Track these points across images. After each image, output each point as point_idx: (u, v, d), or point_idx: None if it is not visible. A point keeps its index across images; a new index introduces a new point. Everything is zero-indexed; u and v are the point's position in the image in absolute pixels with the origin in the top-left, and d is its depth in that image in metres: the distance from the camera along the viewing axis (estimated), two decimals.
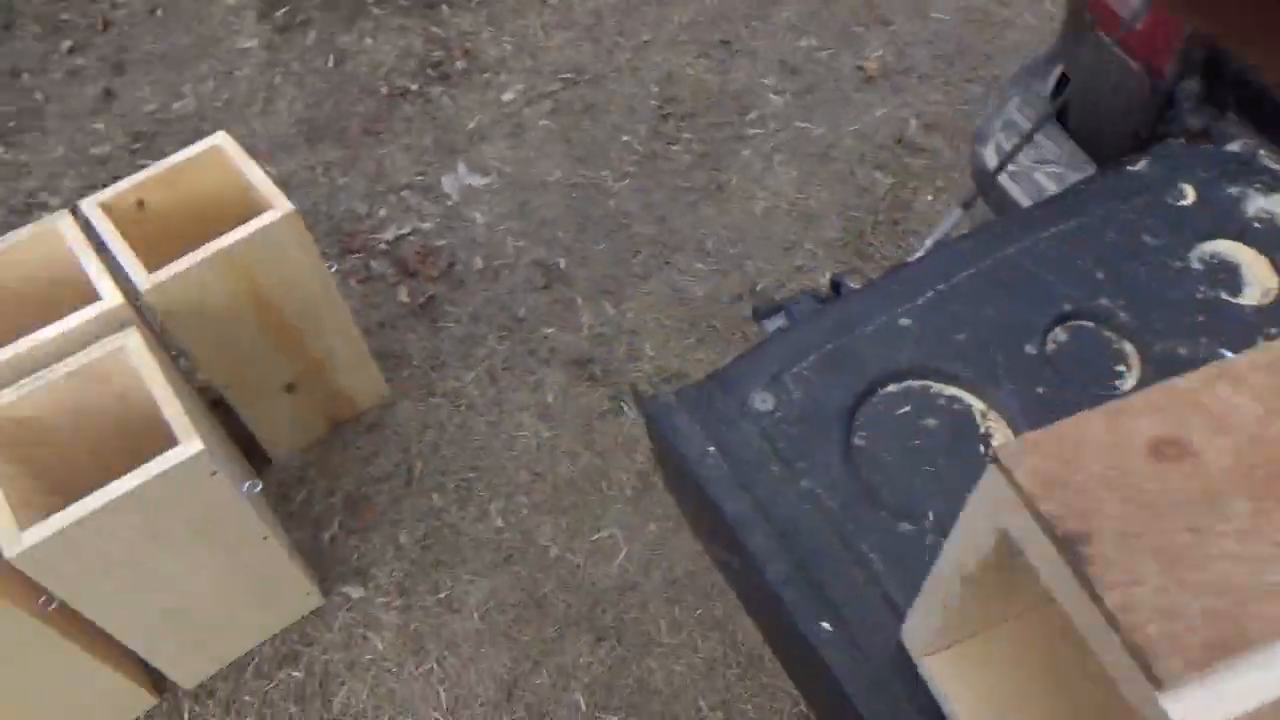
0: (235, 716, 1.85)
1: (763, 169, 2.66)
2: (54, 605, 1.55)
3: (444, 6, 3.11)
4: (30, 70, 3.04)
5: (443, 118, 2.83)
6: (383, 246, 2.55)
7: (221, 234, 1.73)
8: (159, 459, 1.46)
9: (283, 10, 3.14)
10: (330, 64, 2.98)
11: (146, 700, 1.84)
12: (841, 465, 0.87)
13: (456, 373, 2.31)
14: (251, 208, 1.91)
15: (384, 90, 2.90)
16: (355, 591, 2.00)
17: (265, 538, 1.72)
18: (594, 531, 2.06)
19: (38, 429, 1.59)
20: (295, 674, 1.90)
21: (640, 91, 2.86)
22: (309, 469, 2.17)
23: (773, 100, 2.81)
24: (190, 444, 1.48)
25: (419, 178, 2.70)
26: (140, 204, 1.84)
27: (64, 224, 1.76)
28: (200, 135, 2.62)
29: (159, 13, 3.17)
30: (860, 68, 2.88)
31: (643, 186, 2.64)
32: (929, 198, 2.57)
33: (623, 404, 2.24)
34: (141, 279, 1.66)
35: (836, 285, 1.01)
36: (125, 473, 1.46)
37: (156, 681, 1.87)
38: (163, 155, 2.65)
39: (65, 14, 3.20)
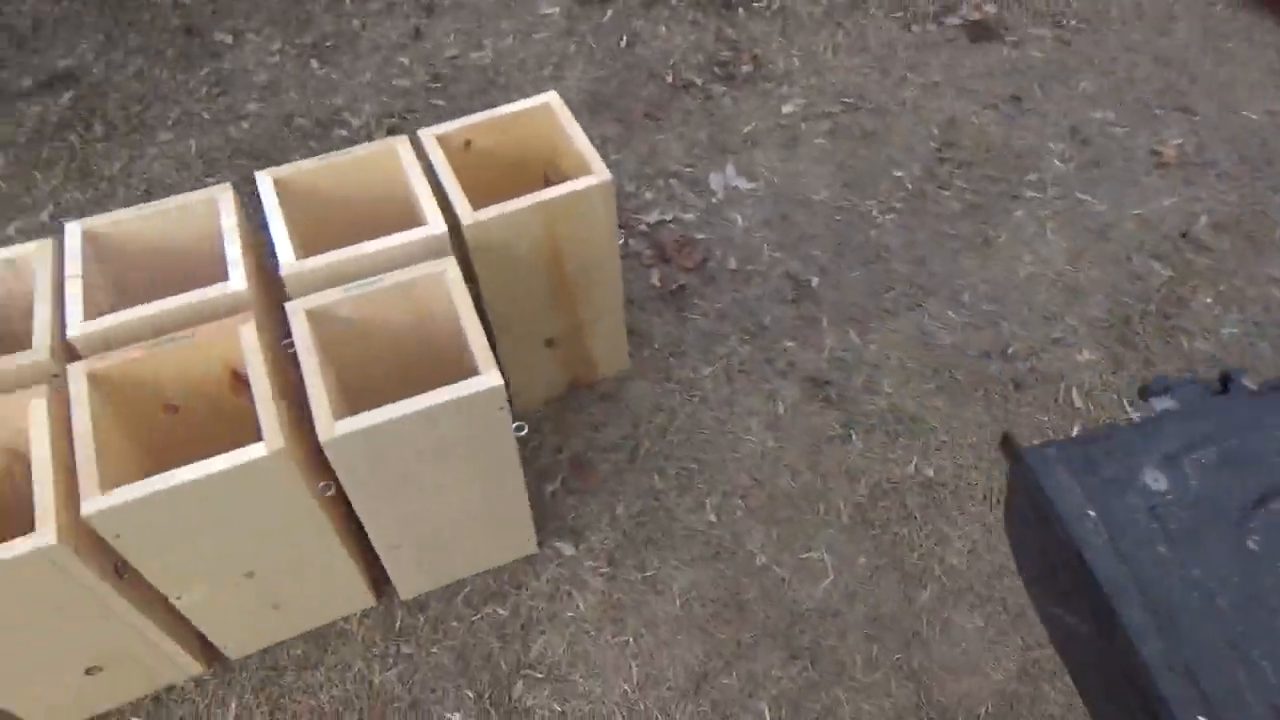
0: (441, 635, 1.95)
1: (1034, 233, 2.59)
2: (330, 491, 1.67)
3: (740, 10, 3.16)
4: None
5: (721, 116, 2.88)
6: (643, 228, 2.62)
7: (534, 186, 1.83)
8: (462, 384, 1.55)
9: None
10: (623, 44, 3.09)
11: (367, 600, 1.96)
12: (1234, 564, 0.85)
13: (695, 364, 2.36)
14: (568, 166, 2.00)
15: (669, 79, 2.98)
16: (567, 549, 2.07)
17: (516, 478, 1.80)
18: (804, 550, 2.06)
19: (350, 332, 1.72)
20: (501, 612, 1.99)
21: (921, 130, 2.83)
22: (543, 424, 2.26)
23: (1056, 166, 2.74)
24: (490, 376, 1.56)
25: (688, 169, 2.76)
26: (468, 144, 1.96)
27: (402, 148, 1.89)
28: (493, 87, 2.76)
29: None
30: (1155, 152, 2.76)
31: (907, 224, 2.62)
32: (1208, 300, 2.45)
33: (852, 433, 2.23)
34: (466, 213, 1.77)
35: (1227, 379, 0.98)
36: (415, 387, 1.55)
37: (379, 584, 1.99)
38: (455, 99, 2.82)
39: None
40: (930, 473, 2.16)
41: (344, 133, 2.86)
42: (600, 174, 1.84)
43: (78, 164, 2.80)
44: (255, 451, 1.48)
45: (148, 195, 2.71)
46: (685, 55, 3.04)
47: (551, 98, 1.98)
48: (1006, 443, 0.96)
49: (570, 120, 1.94)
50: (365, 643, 1.96)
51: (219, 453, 1.49)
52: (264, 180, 1.83)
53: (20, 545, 1.40)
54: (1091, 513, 0.88)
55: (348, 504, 1.69)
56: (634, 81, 2.97)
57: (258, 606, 1.81)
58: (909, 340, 2.39)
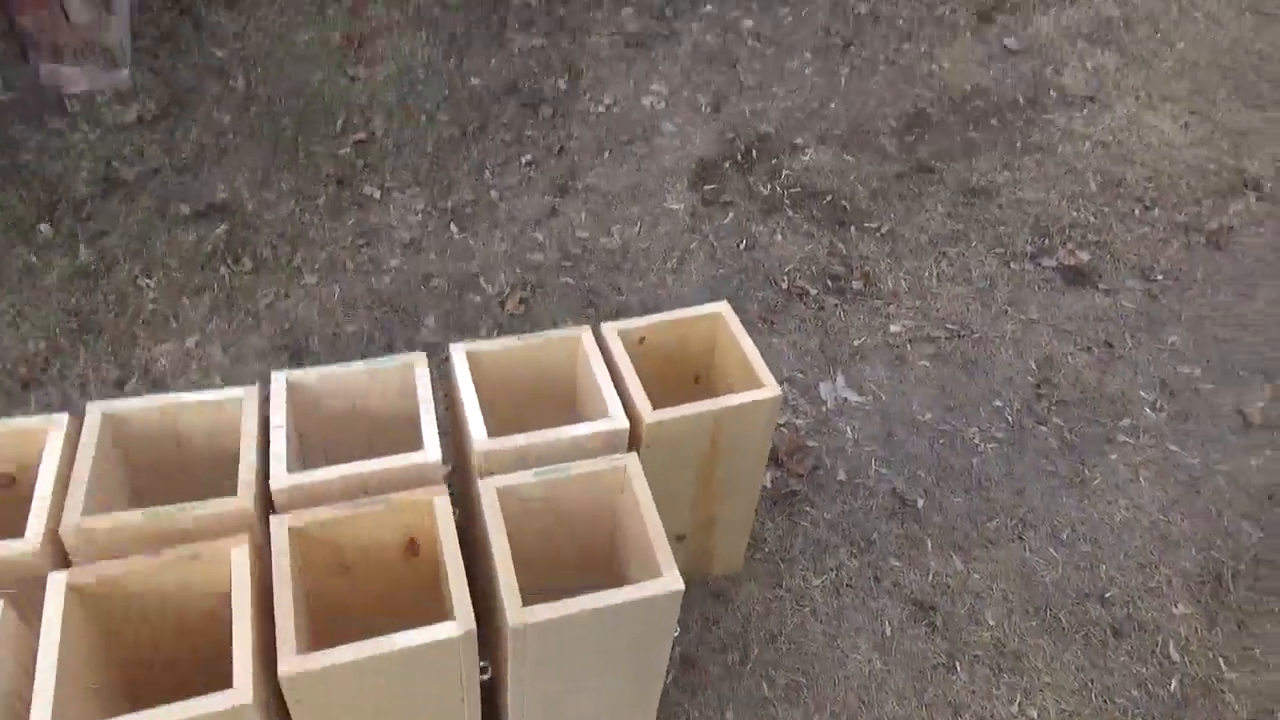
0: None
1: (1128, 479, 2.71)
2: (487, 675, 1.71)
3: (852, 228, 3.39)
4: (493, 170, 3.51)
5: (832, 327, 3.05)
6: None
7: (687, 383, 1.96)
8: (646, 584, 1.62)
9: (711, 186, 3.52)
10: (742, 246, 3.30)
11: None
12: None
13: (804, 573, 2.42)
14: (725, 372, 2.14)
15: (784, 285, 3.17)
16: None
17: (659, 678, 1.85)
18: None
19: (532, 511, 1.80)
20: None
21: (1019, 364, 2.99)
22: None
23: (1148, 415, 2.88)
24: (672, 579, 1.64)
25: (799, 374, 2.91)
26: (641, 340, 2.10)
27: (586, 338, 2.03)
28: (618, 271, 2.96)
29: (607, 154, 3.62)
30: (1241, 413, 2.91)
31: (1007, 455, 2.74)
32: None
33: (956, 663, 2.28)
34: (646, 410, 1.89)
35: None
36: (580, 575, 1.63)
37: None
38: (584, 278, 3.00)
39: (530, 131, 3.70)
40: (1034, 714, 2.19)
41: (477, 298, 3.02)
42: (771, 388, 1.97)
43: (225, 294, 2.96)
44: (447, 630, 1.54)
45: (289, 334, 2.85)
46: (800, 265, 3.24)
47: (723, 307, 2.14)
48: None
49: (741, 331, 2.08)
50: None
51: (385, 619, 1.55)
52: (459, 354, 1.95)
53: (218, 702, 1.43)
54: None
55: (491, 685, 1.73)
56: (751, 283, 3.16)
57: None
58: (1011, 573, 2.46)
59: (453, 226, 3.27)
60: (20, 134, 3.43)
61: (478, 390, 1.90)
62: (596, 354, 2.00)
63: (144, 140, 3.49)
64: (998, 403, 2.88)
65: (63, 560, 1.63)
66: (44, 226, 3.10)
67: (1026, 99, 4.09)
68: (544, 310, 2.99)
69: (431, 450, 1.79)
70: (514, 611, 1.56)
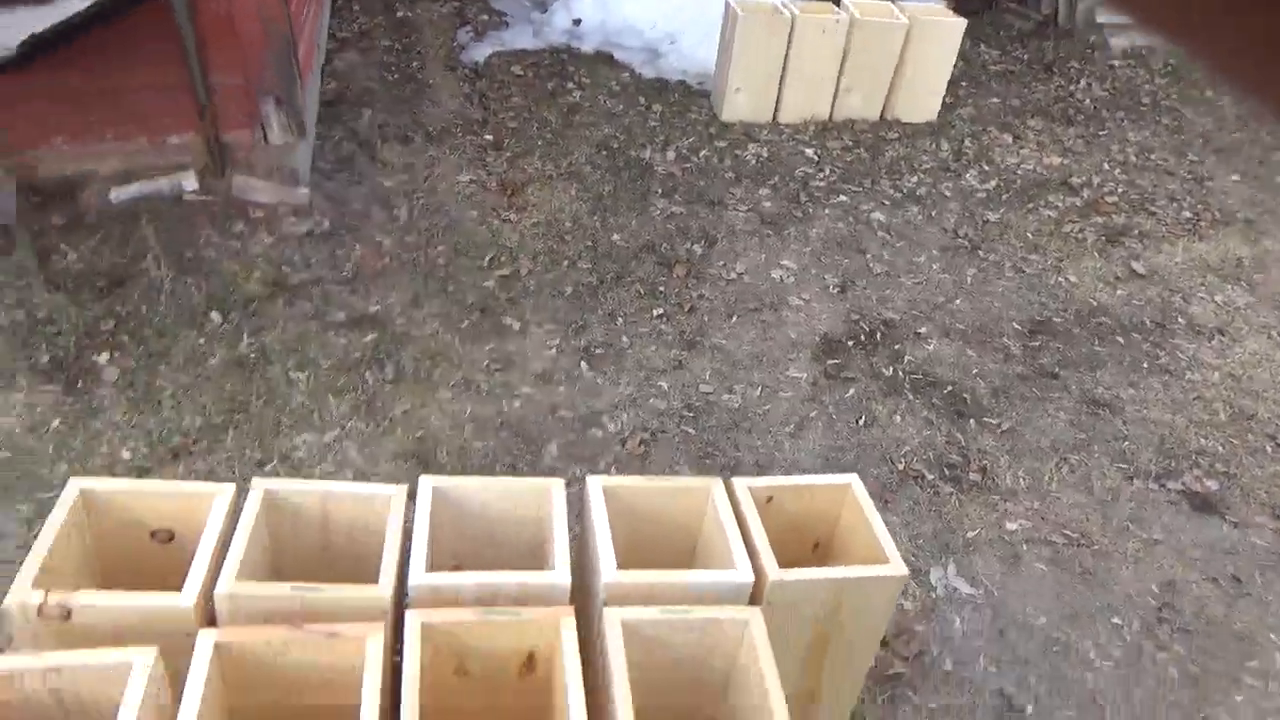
0: None
1: None
2: None
3: (971, 421, 3.41)
4: (625, 318, 3.69)
5: (946, 514, 3.03)
6: None
7: (804, 549, 1.97)
8: None
9: (834, 361, 3.61)
10: (860, 421, 3.34)
11: None
12: None
13: None
14: (846, 542, 2.15)
15: (900, 465, 3.19)
16: None
17: None
18: None
19: (646, 650, 1.81)
20: None
21: (1139, 584, 2.90)
22: None
23: (1278, 660, 2.73)
24: None
25: (911, 557, 2.87)
26: (769, 499, 2.13)
27: (717, 490, 2.08)
28: (737, 428, 3.01)
29: (734, 319, 3.77)
30: None
31: (1125, 678, 2.62)
32: None
33: None
34: (773, 569, 1.90)
35: None
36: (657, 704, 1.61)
37: None
38: (704, 431, 3.05)
39: (663, 287, 3.89)
40: None
41: (600, 434, 3.12)
42: (897, 566, 1.96)
43: (366, 398, 3.12)
44: None
45: (421, 442, 2.98)
46: (917, 448, 3.26)
47: (853, 479, 2.17)
48: None
49: (870, 505, 2.10)
50: None
51: None
52: (595, 485, 2.02)
53: None
54: None
55: None
56: (867, 459, 3.19)
57: None
58: None
59: (583, 364, 3.42)
60: (207, 233, 3.77)
61: (612, 523, 1.95)
62: (726, 506, 2.04)
63: (312, 252, 3.79)
64: (1116, 620, 2.78)
65: (209, 620, 1.70)
66: (214, 315, 3.36)
67: (1154, 322, 4.12)
68: (663, 455, 3.06)
69: (562, 572, 1.83)
70: None
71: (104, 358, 3.12)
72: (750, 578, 1.87)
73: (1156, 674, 2.64)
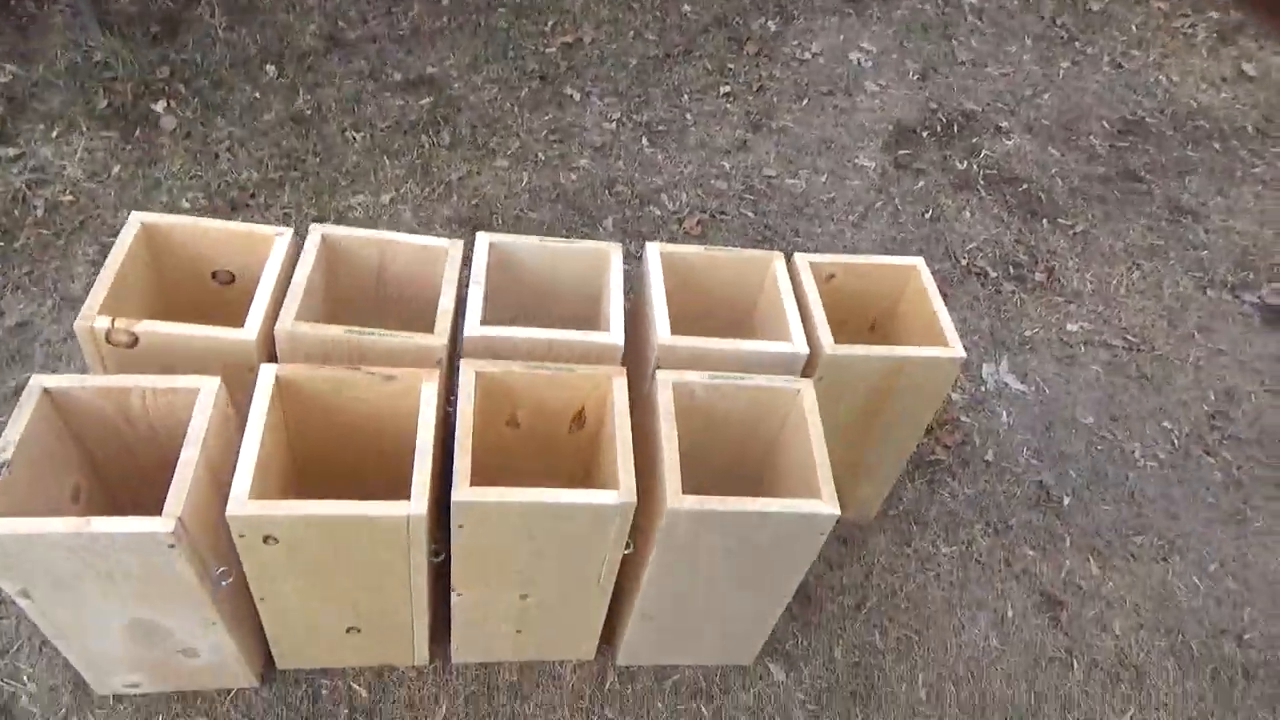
0: (644, 712, 2.00)
1: None
2: (630, 550, 1.76)
3: (1044, 220, 3.28)
4: (690, 95, 3.52)
5: (1005, 312, 2.97)
6: None
7: (861, 329, 1.94)
8: (804, 502, 1.64)
9: (905, 152, 3.45)
10: (927, 215, 3.23)
11: (589, 653, 2.03)
12: None
13: (935, 540, 2.40)
14: (905, 325, 2.12)
15: (963, 261, 3.10)
16: (779, 673, 2.11)
17: (785, 599, 1.87)
18: None
19: (689, 408, 1.83)
20: (704, 711, 2.03)
21: (1196, 391, 2.85)
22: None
23: None
24: (830, 504, 1.64)
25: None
26: (831, 277, 2.09)
27: (778, 262, 2.03)
28: (799, 214, 2.94)
29: (805, 101, 3.58)
30: None
31: (1166, 477, 2.63)
32: None
33: (1074, 662, 2.23)
34: (828, 342, 1.88)
35: None
36: (726, 485, 1.65)
37: (600, 644, 2.06)
38: (764, 215, 2.98)
39: (732, 65, 3.69)
40: None
41: (657, 212, 3.06)
42: (955, 350, 1.93)
43: (421, 162, 3.07)
44: (608, 497, 1.59)
45: (476, 209, 2.95)
46: (983, 245, 3.16)
47: (919, 262, 2.11)
48: None
49: (934, 289, 2.05)
50: (574, 692, 2.03)
51: (541, 480, 1.61)
52: (654, 251, 1.99)
53: (395, 507, 1.53)
54: None
55: (623, 565, 1.79)
56: (930, 253, 3.10)
57: (507, 624, 1.90)
58: (1149, 590, 2.38)
59: (644, 140, 3.31)
60: None
61: (669, 290, 1.93)
62: (786, 281, 2.00)
63: (369, 7, 3.63)
64: (1166, 423, 2.76)
65: (269, 356, 1.75)
66: (270, 68, 3.28)
67: (1256, 128, 3.84)
68: (720, 237, 3.00)
69: (616, 333, 1.83)
70: (674, 495, 1.60)
71: (161, 106, 3.08)
72: (805, 350, 1.86)
73: (1200, 476, 2.64)
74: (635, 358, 1.99)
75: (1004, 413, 2.71)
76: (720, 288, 2.08)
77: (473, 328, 1.78)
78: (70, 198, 2.80)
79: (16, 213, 2.73)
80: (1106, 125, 3.73)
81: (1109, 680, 2.21)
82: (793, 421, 1.82)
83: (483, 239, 1.96)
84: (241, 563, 1.62)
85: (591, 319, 2.03)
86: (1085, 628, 2.29)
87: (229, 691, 1.92)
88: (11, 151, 2.89)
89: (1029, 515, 2.48)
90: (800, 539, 1.70)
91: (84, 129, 2.98)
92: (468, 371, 1.72)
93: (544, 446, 1.90)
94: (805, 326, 1.92)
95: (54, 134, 2.96)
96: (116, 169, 2.89)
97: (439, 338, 1.76)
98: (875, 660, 2.16)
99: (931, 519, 2.44)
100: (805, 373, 1.92)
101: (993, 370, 2.81)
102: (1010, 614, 2.29)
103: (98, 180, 2.86)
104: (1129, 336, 2.97)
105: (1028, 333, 2.93)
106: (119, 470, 1.76)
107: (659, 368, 1.81)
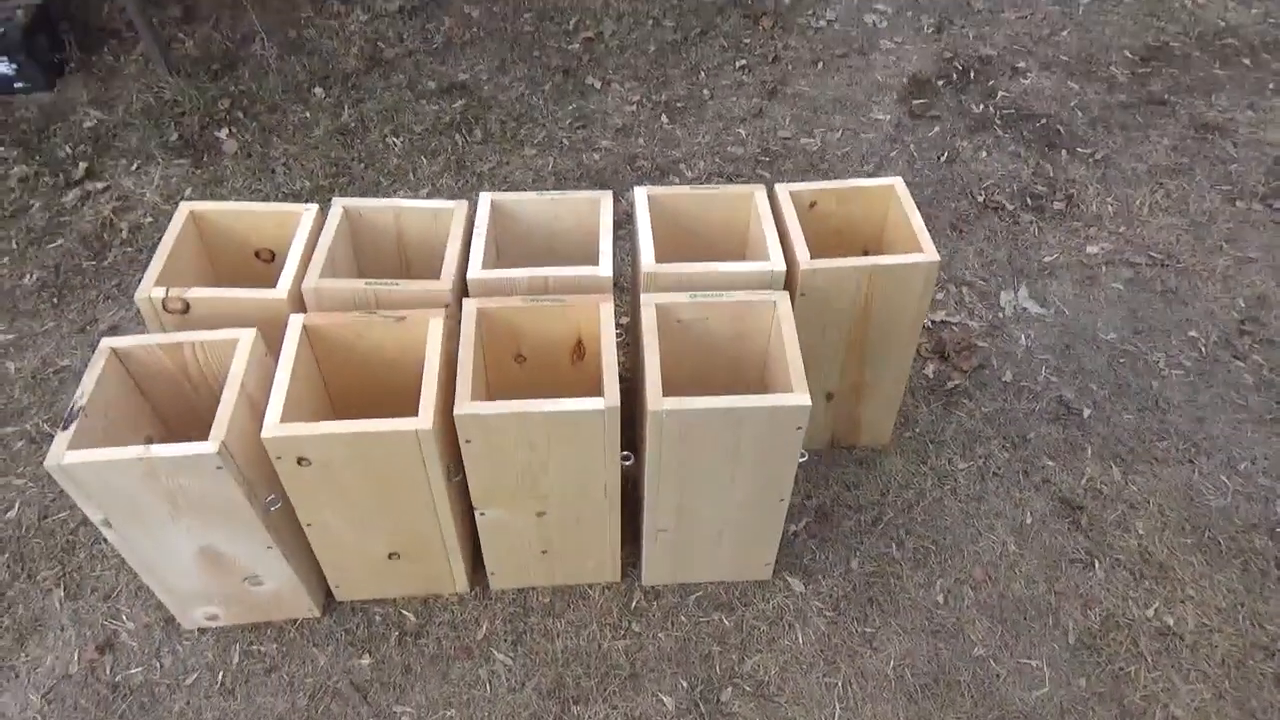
0: (669, 625, 2.15)
1: None
2: (629, 461, 1.92)
3: (1063, 151, 3.31)
4: (708, 72, 3.69)
5: (1023, 241, 3.02)
6: (928, 324, 2.78)
7: (854, 253, 2.05)
8: (775, 395, 1.77)
9: (921, 101, 3.53)
10: (942, 159, 3.30)
11: (615, 574, 2.19)
12: None
13: (951, 457, 2.47)
14: (893, 244, 2.22)
15: (980, 199, 3.15)
16: (797, 585, 2.22)
17: (783, 501, 2.00)
18: (1024, 655, 2.11)
19: (680, 328, 1.98)
20: (726, 621, 2.16)
21: (1225, 299, 2.84)
22: (799, 470, 2.43)
23: None
24: (801, 395, 1.77)
25: (981, 281, 2.90)
26: (813, 204, 2.21)
27: (759, 195, 2.17)
28: (814, 170, 3.03)
29: (820, 66, 3.70)
30: None
31: (1193, 383, 2.63)
32: None
33: (1095, 561, 2.27)
34: (804, 259, 2.01)
35: None
36: (721, 390, 1.79)
37: (625, 566, 2.22)
38: (780, 175, 3.09)
39: (748, 39, 3.84)
40: (1170, 621, 2.16)
41: (677, 180, 3.22)
42: (929, 254, 2.04)
43: (456, 158, 3.32)
44: (595, 403, 1.76)
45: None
46: (1000, 181, 3.21)
47: (897, 181, 2.21)
48: None
49: (911, 204, 2.15)
50: (602, 610, 2.19)
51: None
52: (640, 193, 2.16)
53: (405, 423, 1.73)
54: None
55: (632, 485, 1.94)
56: (946, 194, 3.17)
57: (532, 545, 2.08)
58: (1174, 491, 2.40)
59: (663, 118, 3.48)
60: (308, 15, 3.95)
61: (653, 227, 2.10)
62: (767, 209, 2.14)
63: (404, 27, 3.92)
64: (1193, 333, 2.76)
65: (301, 310, 1.99)
66: (318, 90, 3.59)
67: None
68: None
69: (605, 266, 2.00)
70: (655, 399, 1.76)
71: (224, 133, 3.42)
72: (781, 267, 1.99)
73: (1229, 379, 2.64)
74: (634, 291, 2.15)
75: (1022, 336, 2.76)
76: (712, 226, 2.23)
77: (475, 271, 1.98)
78: (150, 219, 3.15)
79: (105, 235, 3.08)
80: (1129, 54, 3.72)
81: (1132, 577, 2.24)
82: (775, 333, 1.95)
83: (484, 198, 2.16)
84: (285, 490, 1.84)
85: (591, 261, 2.20)
86: (1106, 530, 2.32)
87: (294, 621, 2.15)
88: (100, 185, 3.26)
89: (1048, 429, 2.53)
90: (779, 432, 1.82)
91: (159, 160, 3.34)
92: (469, 309, 1.91)
93: (551, 380, 2.08)
94: (784, 247, 2.05)
95: (134, 167, 3.32)
96: (188, 191, 3.23)
97: (444, 283, 1.97)
98: (892, 569, 2.25)
99: (948, 438, 2.51)
100: (790, 291, 2.05)
101: (1010, 297, 2.86)
102: (1029, 520, 2.34)
103: (173, 203, 3.20)
104: (1153, 253, 2.97)
105: (1046, 259, 2.96)
106: (183, 424, 2.02)
107: (644, 291, 1.97)
